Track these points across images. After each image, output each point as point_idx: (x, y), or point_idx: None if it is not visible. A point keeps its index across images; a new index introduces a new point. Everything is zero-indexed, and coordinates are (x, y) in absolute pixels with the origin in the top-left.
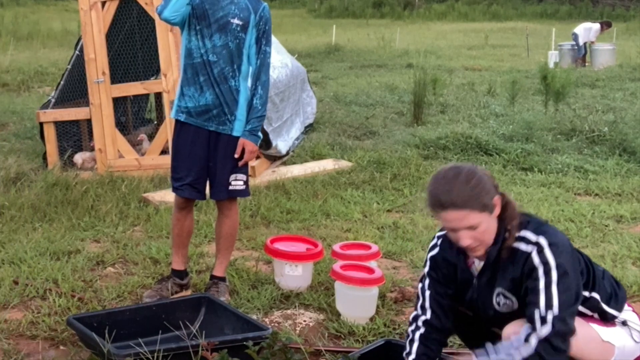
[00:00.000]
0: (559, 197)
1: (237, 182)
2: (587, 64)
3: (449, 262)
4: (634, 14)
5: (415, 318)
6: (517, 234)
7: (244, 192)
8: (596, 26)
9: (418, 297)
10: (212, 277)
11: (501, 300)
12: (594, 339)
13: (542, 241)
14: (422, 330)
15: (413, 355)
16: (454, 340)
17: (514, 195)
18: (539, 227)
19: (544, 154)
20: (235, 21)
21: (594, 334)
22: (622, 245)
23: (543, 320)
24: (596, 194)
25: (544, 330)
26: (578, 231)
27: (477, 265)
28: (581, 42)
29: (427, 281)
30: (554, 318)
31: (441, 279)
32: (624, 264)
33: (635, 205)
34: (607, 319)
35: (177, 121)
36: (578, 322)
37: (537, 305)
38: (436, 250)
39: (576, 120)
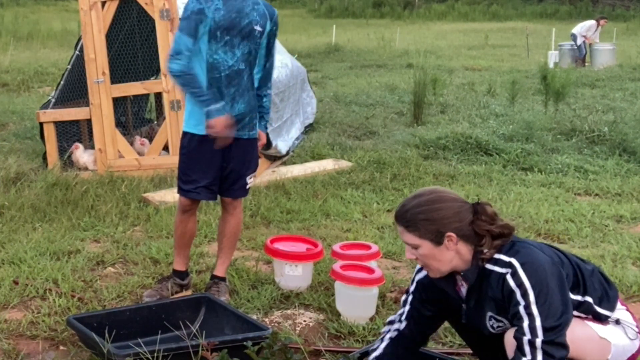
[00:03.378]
0: (559, 197)
1: (250, 181)
2: (587, 64)
3: (437, 287)
4: (634, 14)
5: (391, 322)
6: (491, 256)
7: (249, 192)
8: (591, 22)
9: (401, 306)
10: (213, 276)
11: (494, 323)
12: (592, 337)
13: (514, 262)
14: (393, 334)
15: (378, 352)
16: (454, 340)
17: (513, 195)
18: (512, 247)
19: (544, 154)
20: (258, 28)
21: (591, 332)
22: (622, 245)
23: (532, 346)
24: (596, 194)
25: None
26: (578, 231)
27: (464, 290)
28: (579, 39)
29: (410, 297)
30: (542, 343)
31: (426, 301)
32: (624, 264)
33: (635, 205)
34: (600, 320)
35: (200, 135)
36: (575, 322)
37: (522, 332)
38: (424, 273)
39: (576, 120)
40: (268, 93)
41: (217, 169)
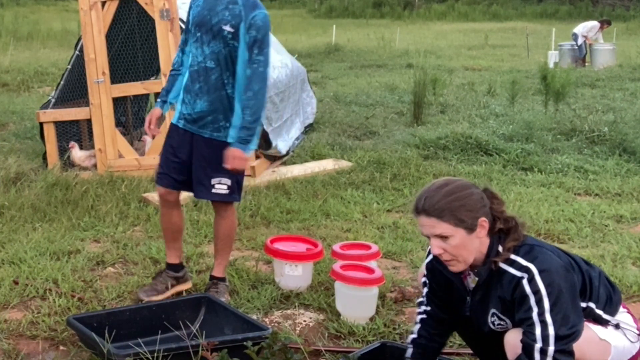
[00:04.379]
0: (559, 197)
1: (220, 186)
2: (587, 64)
3: (443, 275)
4: (634, 14)
5: (420, 303)
6: (507, 256)
7: (228, 197)
8: (594, 23)
9: (422, 287)
10: (212, 277)
11: (495, 320)
12: (592, 339)
13: (533, 268)
14: (423, 316)
15: (414, 335)
16: (454, 340)
17: (513, 195)
18: (530, 251)
19: (544, 154)
20: (227, 28)
21: (591, 334)
22: (622, 245)
23: (543, 354)
24: (596, 194)
25: None
26: (578, 231)
27: (471, 282)
28: (580, 39)
29: (425, 280)
30: (554, 352)
31: (435, 285)
32: (624, 264)
33: (635, 205)
34: (600, 323)
35: (173, 124)
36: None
37: (533, 338)
38: (429, 258)
39: (576, 120)
40: (251, 103)
41: (177, 159)
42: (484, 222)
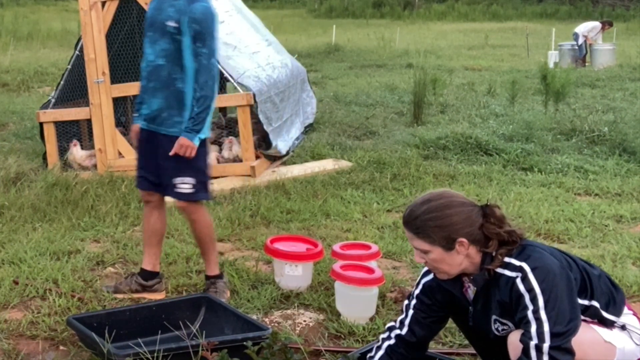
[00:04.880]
0: (559, 197)
1: (183, 185)
2: (587, 64)
3: (444, 289)
4: (634, 14)
5: (390, 329)
6: (501, 261)
7: (192, 196)
8: (595, 23)
9: (402, 312)
10: (207, 277)
11: (499, 326)
12: (597, 341)
13: (525, 266)
14: (392, 342)
15: None
16: (454, 340)
17: (513, 195)
18: (523, 251)
19: (544, 154)
20: (171, 23)
21: (596, 336)
22: (622, 245)
23: (539, 351)
24: (596, 194)
25: None
26: (578, 231)
27: (471, 292)
28: (580, 39)
29: (414, 302)
30: (549, 348)
31: (432, 304)
32: (624, 264)
33: (635, 205)
34: (606, 324)
35: (139, 127)
36: (580, 325)
37: (529, 336)
38: (431, 276)
39: (576, 120)
40: (199, 94)
41: (148, 161)
42: (463, 242)
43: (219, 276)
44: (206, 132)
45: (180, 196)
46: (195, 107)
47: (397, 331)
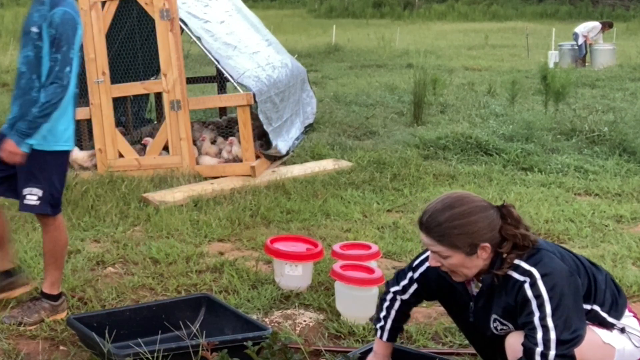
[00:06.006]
0: (559, 197)
1: (31, 197)
2: (587, 64)
3: (444, 280)
4: (634, 14)
5: (396, 292)
6: (511, 263)
7: (37, 208)
8: (595, 23)
9: (407, 280)
10: (41, 292)
11: (498, 326)
12: (596, 342)
13: (535, 272)
14: (397, 305)
15: (389, 323)
16: (454, 340)
17: (513, 195)
18: (534, 255)
19: (544, 154)
20: (34, 29)
21: (595, 337)
22: (622, 245)
23: (544, 358)
24: (596, 194)
25: None
26: (578, 231)
27: (474, 286)
28: (580, 39)
29: (415, 286)
30: (555, 356)
31: (433, 290)
32: (624, 264)
33: (635, 205)
34: (606, 327)
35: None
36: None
37: (535, 342)
38: (427, 266)
39: (576, 120)
40: (42, 99)
41: (2, 167)
42: (486, 247)
43: (49, 296)
44: (69, 145)
45: (26, 208)
46: (35, 109)
47: (401, 295)
